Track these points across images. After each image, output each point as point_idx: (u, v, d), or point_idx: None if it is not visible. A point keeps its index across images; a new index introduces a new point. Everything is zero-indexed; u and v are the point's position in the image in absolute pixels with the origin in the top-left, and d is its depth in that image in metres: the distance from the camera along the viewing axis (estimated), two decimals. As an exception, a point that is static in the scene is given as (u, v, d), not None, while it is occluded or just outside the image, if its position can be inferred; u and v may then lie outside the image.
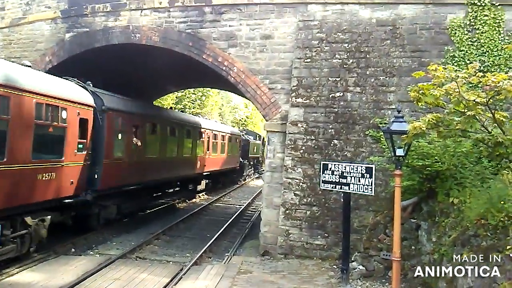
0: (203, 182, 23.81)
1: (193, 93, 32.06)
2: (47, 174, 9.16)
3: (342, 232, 8.53)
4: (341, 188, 8.17)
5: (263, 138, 35.06)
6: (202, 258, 10.56)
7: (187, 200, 20.81)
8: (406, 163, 7.54)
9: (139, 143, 13.21)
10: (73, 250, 10.62)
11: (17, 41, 13.95)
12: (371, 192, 7.85)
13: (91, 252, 10.71)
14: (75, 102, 10.08)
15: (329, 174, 8.25)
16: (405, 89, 9.36)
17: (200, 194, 23.15)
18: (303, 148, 10.26)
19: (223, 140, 25.05)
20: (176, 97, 29.76)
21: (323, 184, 8.42)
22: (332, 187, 8.35)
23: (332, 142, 10.13)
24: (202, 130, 20.43)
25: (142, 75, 16.59)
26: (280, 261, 9.85)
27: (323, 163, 8.46)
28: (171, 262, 10.23)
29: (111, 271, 8.85)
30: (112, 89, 12.59)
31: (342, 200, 8.68)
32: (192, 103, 31.95)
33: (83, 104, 10.48)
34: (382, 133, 8.43)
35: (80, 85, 10.99)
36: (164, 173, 15.83)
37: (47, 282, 7.98)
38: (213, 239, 12.32)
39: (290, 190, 10.23)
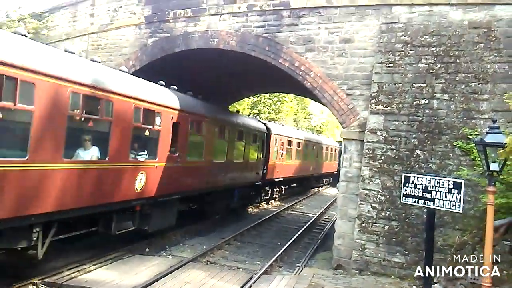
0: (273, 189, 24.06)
1: (268, 98, 32.47)
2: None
3: (424, 250, 8.04)
4: (424, 203, 7.71)
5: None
6: (273, 267, 10.59)
7: (259, 206, 21.04)
8: (500, 178, 6.96)
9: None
10: (147, 250, 11.12)
11: (104, 45, 15.01)
12: (459, 209, 7.32)
13: (164, 253, 11.16)
14: (168, 107, 10.69)
15: (411, 188, 7.83)
16: (501, 97, 8.66)
17: (273, 201, 23.27)
18: (383, 158, 9.88)
19: (298, 147, 25.54)
20: (251, 102, 30.33)
21: (404, 197, 8.01)
22: (414, 202, 7.90)
23: (415, 153, 9.64)
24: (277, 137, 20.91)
25: (219, 79, 17.09)
26: (354, 277, 9.55)
27: (404, 175, 8.06)
28: (241, 269, 10.35)
29: (182, 274, 9.13)
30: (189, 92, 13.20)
31: (425, 216, 8.21)
32: (267, 108, 32.33)
33: (174, 109, 11.07)
34: (472, 145, 7.86)
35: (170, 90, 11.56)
36: (237, 178, 16.28)
37: (121, 281, 8.39)
38: (284, 248, 12.31)
39: (367, 202, 9.90)
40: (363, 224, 9.87)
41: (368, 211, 9.88)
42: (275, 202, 23.43)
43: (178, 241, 12.56)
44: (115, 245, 10.54)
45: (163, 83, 11.50)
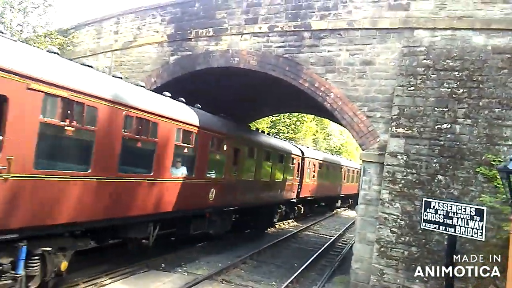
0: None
1: (287, 118, 32.67)
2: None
3: (445, 278, 7.97)
4: (445, 229, 7.64)
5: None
6: (288, 289, 10.58)
7: (275, 226, 21.06)
8: (524, 207, 6.89)
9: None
10: (163, 265, 11.25)
11: (127, 62, 15.43)
12: (481, 237, 7.24)
13: (180, 270, 11.24)
14: (198, 127, 11.79)
15: (432, 213, 7.78)
16: (526, 124, 8.63)
17: (289, 221, 23.28)
18: (403, 182, 9.85)
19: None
20: (270, 121, 30.57)
21: (424, 223, 7.95)
22: (435, 228, 7.83)
23: (436, 178, 9.58)
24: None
25: (238, 97, 17.34)
26: (372, 303, 9.48)
27: (425, 200, 8.02)
28: (256, 289, 10.40)
29: (197, 292, 9.22)
30: (208, 111, 13.45)
31: (446, 242, 8.14)
32: (286, 128, 32.50)
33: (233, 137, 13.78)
34: (495, 172, 7.80)
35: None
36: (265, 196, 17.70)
37: (137, 297, 8.52)
38: (300, 269, 12.28)
39: (386, 226, 9.84)
40: (382, 249, 9.80)
41: (387, 235, 9.80)
42: (292, 222, 23.41)
43: (193, 258, 12.66)
44: (131, 259, 10.71)
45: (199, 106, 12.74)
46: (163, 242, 12.02)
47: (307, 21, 11.93)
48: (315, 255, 14.45)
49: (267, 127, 29.11)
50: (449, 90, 9.82)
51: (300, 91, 12.13)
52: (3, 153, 6.16)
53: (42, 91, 6.73)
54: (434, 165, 9.66)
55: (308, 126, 37.19)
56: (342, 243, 19.12)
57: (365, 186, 10.72)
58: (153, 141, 9.71)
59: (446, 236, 7.93)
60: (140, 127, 9.18)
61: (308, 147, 27.44)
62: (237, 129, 14.64)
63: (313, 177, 24.79)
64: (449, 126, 9.68)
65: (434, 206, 7.78)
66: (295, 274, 11.59)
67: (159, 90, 13.06)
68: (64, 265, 7.72)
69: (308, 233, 21.28)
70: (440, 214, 7.67)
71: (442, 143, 9.69)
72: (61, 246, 7.72)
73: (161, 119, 9.83)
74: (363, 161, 11.08)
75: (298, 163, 21.72)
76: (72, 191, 7.53)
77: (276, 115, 29.42)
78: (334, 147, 47.00)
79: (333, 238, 19.11)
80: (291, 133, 32.85)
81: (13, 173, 6.31)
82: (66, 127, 7.23)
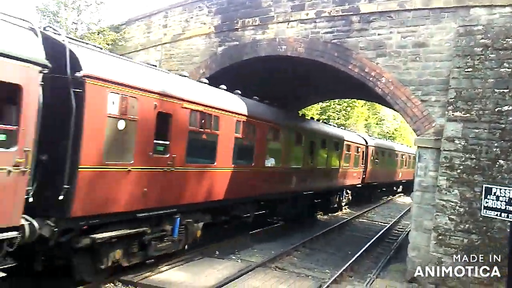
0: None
1: (338, 104, 32.29)
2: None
3: (508, 266, 7.77)
4: (507, 216, 7.44)
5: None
6: (343, 277, 10.60)
7: (328, 213, 21.09)
8: None
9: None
10: (217, 253, 11.59)
11: (176, 55, 15.89)
12: (546, 224, 7.02)
13: (233, 257, 11.53)
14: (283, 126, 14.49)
15: (493, 200, 7.59)
16: None
17: (343, 208, 23.23)
18: (461, 167, 9.59)
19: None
20: (320, 108, 30.38)
21: (485, 210, 7.77)
22: (497, 215, 7.65)
23: (498, 163, 9.24)
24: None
25: (286, 86, 17.39)
26: (430, 291, 9.38)
27: (486, 187, 7.81)
28: (310, 277, 10.46)
29: (250, 279, 9.44)
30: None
31: (508, 230, 7.91)
32: (337, 114, 32.18)
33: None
34: None
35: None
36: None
37: (191, 283, 8.89)
38: (355, 257, 12.27)
39: (444, 214, 9.65)
40: (440, 237, 9.63)
41: (446, 223, 9.61)
42: (345, 209, 23.32)
43: (247, 245, 12.97)
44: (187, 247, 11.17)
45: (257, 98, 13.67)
46: (216, 231, 12.42)
47: (355, 5, 11.76)
48: (369, 243, 14.38)
49: (317, 114, 28.96)
50: (510, 70, 9.38)
51: (350, 76, 12.02)
52: (170, 153, 9.05)
53: (189, 108, 9.58)
54: (494, 149, 9.32)
55: (359, 112, 36.56)
56: (398, 230, 18.84)
57: (420, 173, 10.53)
58: (254, 139, 12.65)
59: (509, 223, 7.71)
60: (247, 130, 12.03)
61: (371, 136, 28.69)
62: (312, 124, 17.78)
63: (376, 164, 26.84)
64: (510, 108, 9.28)
65: (495, 193, 7.59)
66: (349, 262, 11.58)
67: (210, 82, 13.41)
68: (198, 233, 10.65)
69: (362, 220, 21.13)
70: (502, 201, 7.48)
71: (503, 126, 9.31)
72: (195, 219, 10.47)
73: (257, 121, 12.63)
74: (418, 147, 10.86)
75: (363, 152, 23.88)
76: (204, 178, 10.51)
77: (326, 101, 29.16)
78: (387, 133, 45.88)
79: (388, 225, 18.88)
80: (342, 119, 32.45)
81: (175, 166, 9.20)
82: (202, 132, 10.27)
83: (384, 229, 17.81)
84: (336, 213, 21.95)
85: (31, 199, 6.39)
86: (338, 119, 32.20)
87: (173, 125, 9.08)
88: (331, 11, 12.16)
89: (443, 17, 10.42)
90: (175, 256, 10.45)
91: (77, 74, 6.88)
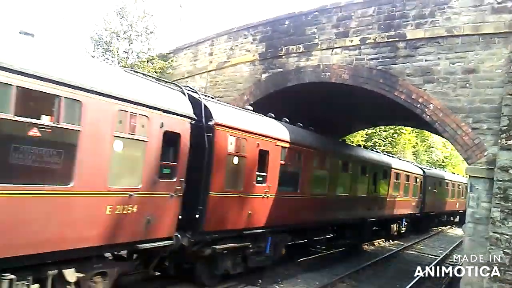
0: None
1: (384, 130, 31.75)
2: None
3: None
4: None
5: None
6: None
7: (374, 244, 20.59)
8: None
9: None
10: (260, 281, 11.52)
11: (221, 82, 16.34)
12: None
13: (277, 287, 11.45)
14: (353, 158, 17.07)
15: (551, 235, 7.26)
16: None
17: (390, 239, 22.65)
18: (516, 199, 9.19)
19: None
20: (365, 134, 30.00)
21: (542, 246, 7.43)
22: (556, 251, 7.30)
23: (556, 194, 8.81)
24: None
25: (330, 112, 17.40)
26: (485, 331, 8.90)
27: (542, 221, 7.48)
28: (356, 311, 10.30)
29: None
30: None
31: None
32: (383, 141, 31.61)
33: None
34: None
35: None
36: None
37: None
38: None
39: (498, 248, 9.21)
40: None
41: (501, 257, 9.15)
42: (393, 240, 22.67)
43: (290, 274, 12.80)
44: (228, 275, 11.22)
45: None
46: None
47: (402, 31, 11.72)
48: (419, 276, 13.84)
49: (363, 141, 28.58)
50: None
51: (395, 103, 11.90)
52: (266, 183, 11.19)
53: (280, 146, 11.72)
54: (552, 180, 8.90)
55: (406, 138, 35.67)
56: (449, 264, 18.03)
57: (472, 204, 10.16)
58: (326, 169, 14.65)
59: None
60: (323, 164, 14.40)
61: (427, 167, 29.45)
62: (374, 157, 19.41)
63: (434, 193, 27.69)
64: None
65: (554, 227, 7.22)
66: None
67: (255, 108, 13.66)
68: (283, 251, 12.84)
69: (411, 252, 20.41)
70: (561, 236, 7.09)
71: (562, 155, 8.90)
72: (281, 239, 12.45)
73: (331, 155, 14.99)
74: (469, 176, 10.52)
75: (421, 181, 25.23)
76: (289, 204, 12.37)
77: (372, 128, 28.78)
78: (437, 160, 44.35)
79: (439, 259, 18.11)
80: (389, 146, 31.78)
81: (270, 194, 11.34)
82: (289, 165, 12.43)
83: (435, 262, 17.09)
84: (387, 242, 21.79)
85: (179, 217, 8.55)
86: (384, 146, 31.57)
87: (269, 159, 11.29)
88: (376, 37, 12.17)
89: (493, 42, 10.18)
90: (216, 285, 10.56)
91: (210, 122, 9.23)
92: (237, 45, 15.92)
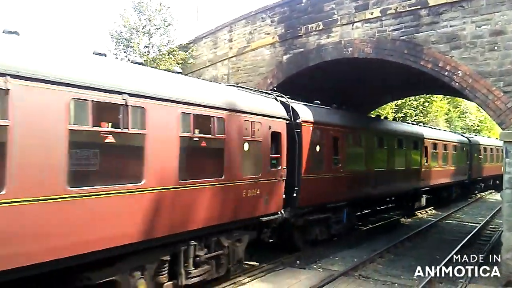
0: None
1: (414, 100, 31.13)
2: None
3: None
4: None
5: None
6: (431, 284, 10.28)
7: (412, 216, 20.51)
8: None
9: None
10: (298, 262, 11.76)
11: (243, 67, 16.41)
12: None
13: (315, 266, 11.57)
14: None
15: None
16: None
17: (427, 209, 22.44)
18: (554, 160, 8.99)
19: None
20: (395, 105, 29.50)
21: None
22: None
23: None
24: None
25: (356, 88, 17.24)
26: (528, 296, 8.85)
27: None
28: (396, 284, 10.30)
29: (333, 289, 9.45)
30: (326, 104, 13.93)
31: None
32: (414, 110, 31.04)
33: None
34: None
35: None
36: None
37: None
38: (444, 261, 11.81)
39: (538, 212, 9.10)
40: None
41: (541, 221, 9.07)
42: (430, 211, 22.46)
43: (328, 253, 12.96)
44: (268, 257, 11.48)
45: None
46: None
47: (423, -2, 11.46)
48: (459, 246, 13.75)
49: (392, 112, 28.13)
50: None
51: (422, 73, 11.70)
52: (340, 164, 13.65)
53: (347, 132, 14.42)
54: None
55: (438, 106, 34.81)
56: (490, 230, 17.79)
57: (509, 169, 10.00)
58: (384, 147, 16.85)
59: None
60: (377, 141, 16.44)
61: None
62: (426, 133, 21.50)
63: (479, 160, 29.72)
64: None
65: None
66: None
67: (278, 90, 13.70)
68: (355, 220, 16.00)
69: (450, 221, 20.19)
70: None
71: None
72: (353, 211, 15.29)
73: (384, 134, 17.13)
74: (504, 141, 10.31)
75: (467, 150, 27.13)
76: (358, 180, 14.70)
77: (401, 99, 28.31)
78: (471, 125, 43.21)
79: (479, 226, 17.87)
80: (420, 116, 31.16)
81: (343, 173, 13.78)
82: (353, 147, 15.06)
83: (475, 230, 16.90)
84: (421, 215, 21.51)
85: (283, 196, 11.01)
86: (416, 115, 30.99)
87: (340, 145, 13.60)
88: (397, 7, 11.94)
89: (520, 0, 9.87)
90: (256, 267, 10.82)
91: (297, 120, 11.72)
92: (255, 29, 15.90)
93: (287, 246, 12.51)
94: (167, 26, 19.81)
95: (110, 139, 6.60)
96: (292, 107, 11.65)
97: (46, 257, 5.53)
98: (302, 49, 14.30)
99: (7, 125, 5.12)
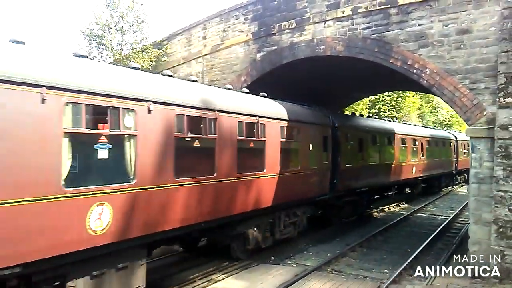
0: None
1: (387, 95, 31.64)
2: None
3: None
4: None
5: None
6: (402, 276, 10.48)
7: (385, 209, 20.87)
8: None
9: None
10: (272, 258, 11.84)
11: (217, 65, 16.33)
12: None
13: (289, 262, 11.70)
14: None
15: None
16: None
17: (400, 203, 22.87)
18: (518, 155, 9.27)
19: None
20: (369, 101, 29.90)
21: (545, 200, 7.67)
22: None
23: (557, 148, 8.88)
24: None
25: (328, 85, 17.39)
26: (494, 286, 9.11)
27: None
28: (367, 278, 10.47)
29: (306, 284, 9.57)
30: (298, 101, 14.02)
31: None
32: (387, 106, 31.55)
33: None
34: None
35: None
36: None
37: (248, 290, 9.15)
38: (414, 254, 12.09)
39: (503, 205, 9.34)
40: (501, 229, 9.34)
41: (506, 214, 9.31)
42: (402, 204, 22.90)
43: (301, 248, 13.12)
44: (239, 255, 11.46)
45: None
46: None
47: (393, -4, 11.62)
48: (429, 238, 14.08)
49: (366, 108, 28.51)
50: None
51: (393, 70, 11.88)
52: (363, 159, 17.57)
53: (368, 134, 18.37)
54: (553, 134, 8.95)
55: (410, 101, 35.50)
56: (459, 223, 18.26)
57: (475, 164, 10.26)
58: (392, 144, 20.24)
59: None
60: (386, 139, 20.06)
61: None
62: (422, 132, 25.81)
63: (465, 154, 32.87)
64: None
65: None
66: (408, 260, 11.43)
67: (248, 88, 13.72)
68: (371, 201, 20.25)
69: (421, 215, 20.65)
70: None
71: (561, 108, 8.92)
72: (370, 195, 19.32)
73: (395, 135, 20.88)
74: (470, 137, 10.58)
75: (453, 145, 31.24)
76: (374, 171, 18.44)
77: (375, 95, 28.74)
78: (443, 120, 44.14)
79: (449, 219, 18.34)
80: (393, 111, 31.71)
81: (366, 164, 17.73)
82: (370, 146, 18.55)
83: (445, 223, 17.33)
84: (394, 209, 22.03)
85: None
86: (389, 111, 31.50)
87: (363, 144, 17.39)
88: (367, 6, 12.08)
89: (485, 0, 10.09)
90: (231, 264, 10.84)
91: (336, 125, 15.14)
92: (229, 27, 15.85)
93: (324, 221, 16.29)
94: (140, 23, 19.54)
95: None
96: (330, 116, 14.97)
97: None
98: (276, 47, 14.34)
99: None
